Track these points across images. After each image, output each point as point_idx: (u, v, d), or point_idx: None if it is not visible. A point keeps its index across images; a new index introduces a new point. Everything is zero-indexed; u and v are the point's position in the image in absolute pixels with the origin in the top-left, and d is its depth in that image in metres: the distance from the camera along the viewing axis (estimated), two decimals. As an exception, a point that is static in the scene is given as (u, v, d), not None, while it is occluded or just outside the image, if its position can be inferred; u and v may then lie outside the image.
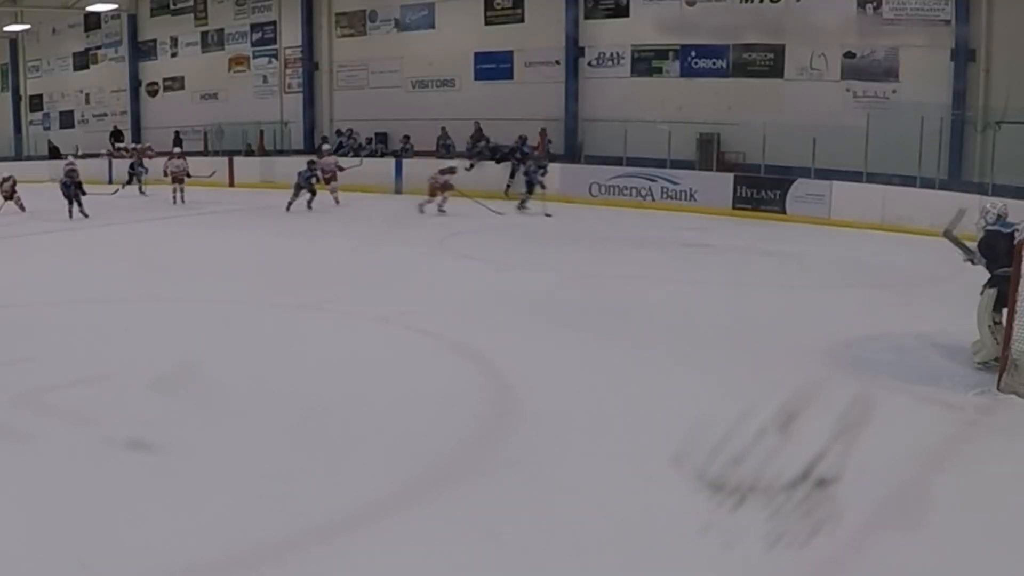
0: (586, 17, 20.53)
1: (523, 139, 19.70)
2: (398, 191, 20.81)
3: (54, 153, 27.68)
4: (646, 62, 19.90)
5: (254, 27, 25.94)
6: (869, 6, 17.05)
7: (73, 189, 16.02)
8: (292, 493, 4.43)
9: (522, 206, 16.93)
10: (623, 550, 3.93)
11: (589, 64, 20.63)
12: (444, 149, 21.62)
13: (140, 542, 3.91)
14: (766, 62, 18.38)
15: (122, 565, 3.76)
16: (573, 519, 4.20)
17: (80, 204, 15.95)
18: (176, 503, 4.30)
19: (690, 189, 17.78)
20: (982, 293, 6.66)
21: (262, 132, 24.79)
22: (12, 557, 3.76)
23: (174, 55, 27.71)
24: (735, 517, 4.02)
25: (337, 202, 17.76)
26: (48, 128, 30.81)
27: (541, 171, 17.38)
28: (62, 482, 4.55)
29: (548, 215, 15.93)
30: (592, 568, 3.82)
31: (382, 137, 23.22)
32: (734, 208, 17.17)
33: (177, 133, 26.31)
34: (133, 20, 28.29)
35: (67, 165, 17.11)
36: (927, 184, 15.35)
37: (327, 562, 3.82)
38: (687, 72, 19.36)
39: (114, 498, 4.35)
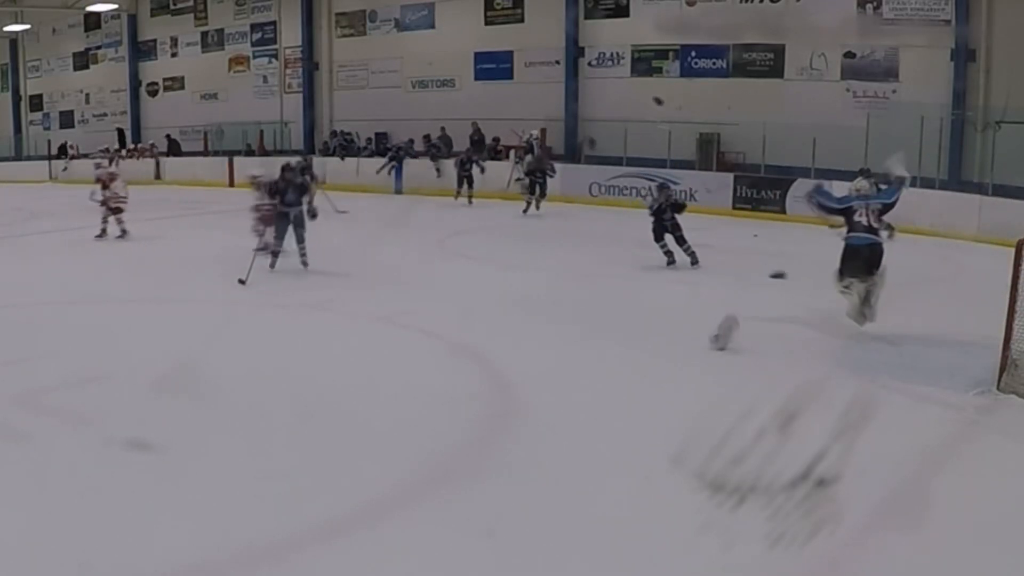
0: (586, 17, 20.53)
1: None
2: (398, 191, 20.82)
3: (62, 153, 27.47)
4: (646, 62, 19.92)
5: (254, 27, 25.94)
6: (869, 6, 17.05)
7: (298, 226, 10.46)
8: (292, 493, 4.43)
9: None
10: (623, 550, 3.93)
11: (589, 64, 20.63)
12: (435, 149, 21.44)
13: (140, 542, 3.91)
14: (766, 62, 18.39)
15: (122, 565, 3.76)
16: (573, 519, 4.20)
17: (302, 242, 10.56)
18: (176, 503, 4.30)
19: (690, 189, 17.77)
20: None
21: (262, 132, 24.80)
22: (12, 557, 3.76)
23: (174, 55, 27.71)
24: (735, 517, 4.02)
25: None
26: (48, 128, 30.80)
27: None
28: (62, 482, 4.55)
29: None
30: (592, 568, 3.82)
31: (382, 136, 23.23)
32: (734, 208, 17.17)
33: (116, 148, 25.92)
34: (133, 20, 28.29)
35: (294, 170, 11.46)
36: (927, 184, 15.32)
37: (327, 562, 3.82)
38: (687, 72, 19.38)
39: (114, 498, 4.35)
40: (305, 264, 10.46)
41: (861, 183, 8.69)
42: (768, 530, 3.86)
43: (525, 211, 16.55)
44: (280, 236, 10.20)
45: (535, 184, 16.73)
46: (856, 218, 7.78)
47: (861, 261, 7.61)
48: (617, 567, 3.82)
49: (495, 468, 4.86)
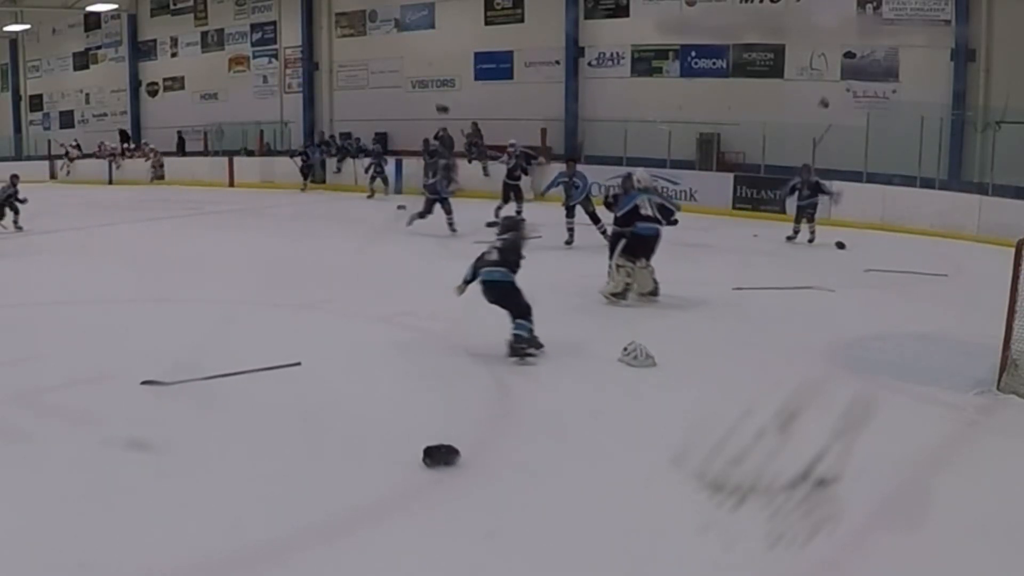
0: (586, 17, 20.54)
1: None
2: (397, 191, 20.80)
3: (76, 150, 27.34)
4: (646, 62, 19.92)
5: (254, 27, 25.94)
6: (869, 6, 17.06)
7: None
8: (292, 493, 4.43)
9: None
10: (623, 550, 3.93)
11: (589, 64, 20.63)
12: (433, 154, 20.99)
13: (140, 542, 3.91)
14: (766, 62, 18.39)
15: (122, 565, 3.75)
16: (573, 519, 4.20)
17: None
18: (176, 503, 4.30)
19: (690, 189, 17.78)
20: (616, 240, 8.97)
21: (262, 132, 24.80)
22: (12, 557, 3.75)
23: (174, 55, 27.72)
24: (735, 517, 4.02)
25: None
26: (48, 128, 30.81)
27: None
28: (62, 482, 4.55)
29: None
30: (592, 568, 3.82)
31: (381, 137, 23.19)
32: (734, 208, 17.17)
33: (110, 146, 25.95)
34: (133, 20, 28.29)
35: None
36: (927, 184, 15.36)
37: (327, 562, 3.82)
38: (687, 72, 19.38)
39: (114, 498, 4.35)
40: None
41: (642, 174, 9.41)
42: (768, 530, 3.86)
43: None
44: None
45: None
46: (642, 212, 8.86)
47: (647, 247, 8.76)
48: (617, 567, 3.82)
49: (495, 468, 4.86)
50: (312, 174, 22.43)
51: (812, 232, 13.56)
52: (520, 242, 7.36)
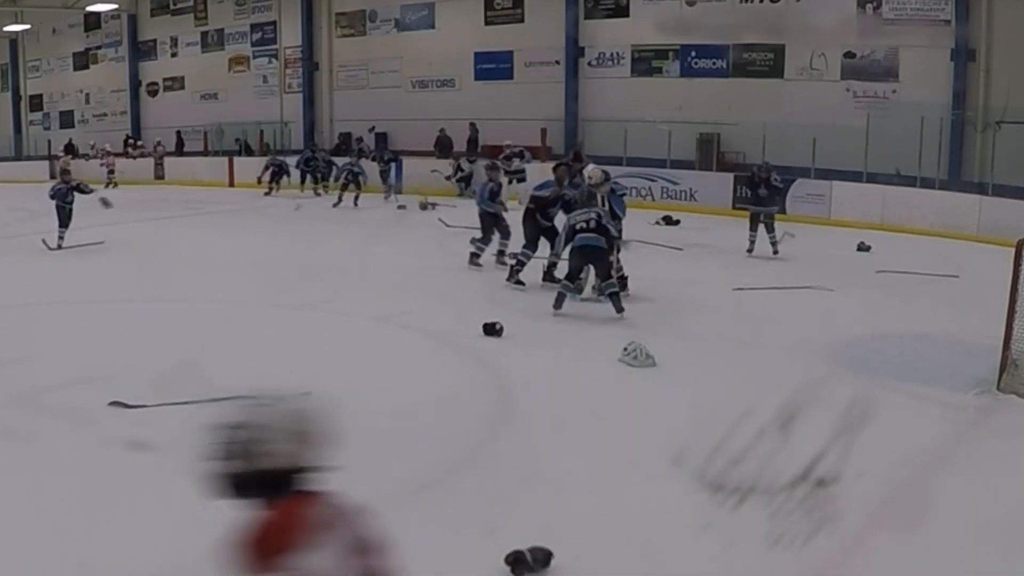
0: (586, 17, 20.53)
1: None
2: (397, 192, 20.78)
3: (69, 151, 27.24)
4: (646, 62, 19.91)
5: (254, 27, 25.93)
6: (869, 6, 17.05)
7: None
8: (292, 493, 4.43)
9: None
10: (624, 550, 3.93)
11: (589, 64, 20.62)
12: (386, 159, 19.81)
13: (140, 542, 3.91)
14: (766, 62, 18.38)
15: (122, 565, 3.76)
16: (573, 519, 4.20)
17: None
18: (176, 503, 4.29)
19: (690, 189, 17.78)
20: None
21: (262, 132, 24.79)
22: (12, 557, 3.76)
23: (174, 55, 27.70)
24: (735, 517, 4.02)
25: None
26: (48, 128, 30.77)
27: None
28: (62, 482, 4.55)
29: None
30: (592, 568, 3.82)
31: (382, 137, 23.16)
32: (734, 208, 17.16)
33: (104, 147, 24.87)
34: (133, 20, 28.28)
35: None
36: (927, 184, 15.36)
37: (327, 562, 3.81)
38: (687, 72, 19.37)
39: (114, 498, 4.36)
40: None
41: (592, 170, 9.40)
42: (768, 530, 3.86)
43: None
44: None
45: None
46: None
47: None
48: (618, 567, 3.82)
49: (495, 468, 4.86)
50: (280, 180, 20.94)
51: (774, 243, 12.08)
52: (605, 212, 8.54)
